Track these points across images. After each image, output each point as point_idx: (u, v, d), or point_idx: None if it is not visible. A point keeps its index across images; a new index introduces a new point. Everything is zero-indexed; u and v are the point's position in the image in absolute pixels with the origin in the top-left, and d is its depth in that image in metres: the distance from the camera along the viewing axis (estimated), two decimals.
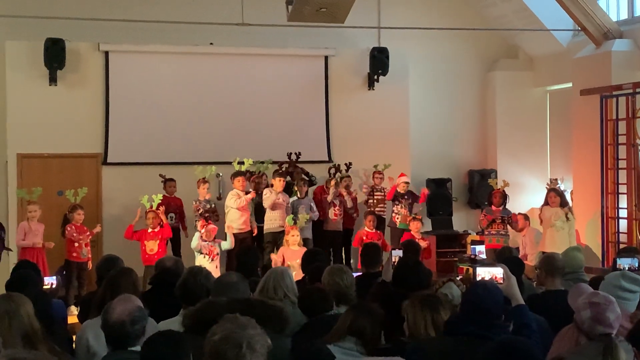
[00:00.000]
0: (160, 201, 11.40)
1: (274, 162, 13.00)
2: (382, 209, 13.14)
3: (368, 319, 4.59)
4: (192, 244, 10.54)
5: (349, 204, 12.78)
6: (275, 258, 10.56)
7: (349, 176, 13.26)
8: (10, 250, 11.06)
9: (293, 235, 10.51)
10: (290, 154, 13.27)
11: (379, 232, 12.01)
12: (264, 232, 12.00)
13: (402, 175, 13.04)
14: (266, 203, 11.84)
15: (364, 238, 11.45)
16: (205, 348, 3.24)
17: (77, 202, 11.43)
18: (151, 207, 11.18)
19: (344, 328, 4.57)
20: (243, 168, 12.22)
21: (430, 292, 5.33)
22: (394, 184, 12.96)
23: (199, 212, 11.80)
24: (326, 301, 5.47)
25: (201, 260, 10.10)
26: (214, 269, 9.78)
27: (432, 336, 4.51)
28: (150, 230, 11.02)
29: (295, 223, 10.95)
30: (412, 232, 11.69)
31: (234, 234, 11.48)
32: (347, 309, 4.83)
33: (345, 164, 13.46)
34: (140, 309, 4.18)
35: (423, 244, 11.37)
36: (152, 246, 10.97)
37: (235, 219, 11.69)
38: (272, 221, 11.91)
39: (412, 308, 4.80)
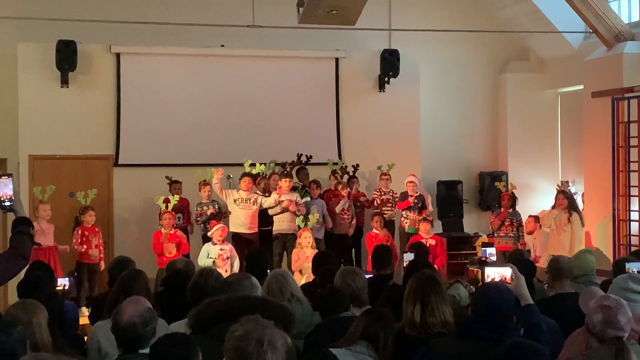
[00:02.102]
0: (176, 202, 11.43)
1: (277, 164, 13.00)
2: (390, 210, 13.08)
3: (381, 325, 4.57)
4: (199, 261, 10.41)
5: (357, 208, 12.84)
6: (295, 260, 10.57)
7: (355, 177, 13.30)
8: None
9: (305, 237, 10.47)
10: (300, 155, 13.28)
11: (387, 232, 11.95)
12: (273, 232, 12.00)
13: (410, 176, 12.95)
14: (272, 211, 11.81)
15: (374, 240, 11.42)
16: (226, 344, 3.23)
17: (88, 203, 11.47)
18: (167, 208, 11.19)
19: (357, 333, 4.56)
20: (254, 171, 12.20)
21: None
22: (407, 199, 12.83)
23: (201, 217, 11.85)
24: (343, 302, 5.47)
25: (210, 264, 10.08)
26: (224, 272, 9.78)
27: (443, 336, 4.50)
28: (164, 231, 11.01)
29: (305, 225, 10.93)
30: (420, 234, 11.64)
31: (240, 234, 11.52)
32: (361, 314, 4.82)
33: (353, 166, 13.47)
34: (151, 310, 4.17)
35: (432, 242, 11.32)
36: (170, 249, 10.93)
37: (240, 219, 11.70)
38: (280, 222, 11.91)
39: (408, 287, 4.81)
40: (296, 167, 13.26)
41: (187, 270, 6.88)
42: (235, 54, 13.77)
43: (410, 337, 4.66)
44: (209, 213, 11.85)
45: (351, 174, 13.47)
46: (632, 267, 6.31)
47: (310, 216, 11.32)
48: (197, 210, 12.08)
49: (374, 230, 11.70)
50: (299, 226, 11.16)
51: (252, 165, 12.25)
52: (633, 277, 5.05)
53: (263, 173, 12.58)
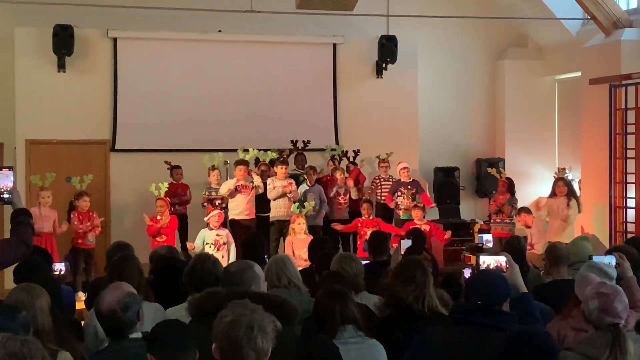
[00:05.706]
0: (167, 189, 11.42)
1: (274, 151, 12.98)
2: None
3: (352, 304, 4.58)
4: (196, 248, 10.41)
5: (354, 194, 12.75)
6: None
7: (354, 163, 13.30)
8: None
9: (299, 224, 10.42)
10: (296, 141, 13.27)
11: (375, 218, 11.85)
12: (270, 219, 11.99)
13: (401, 163, 12.96)
14: (272, 194, 11.77)
15: (359, 224, 11.42)
16: (216, 329, 3.24)
17: (83, 188, 11.46)
18: (159, 194, 11.18)
19: (337, 320, 4.52)
20: (248, 157, 12.19)
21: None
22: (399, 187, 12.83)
23: (206, 200, 11.83)
24: (346, 287, 5.47)
25: (207, 250, 10.07)
26: (220, 258, 9.75)
27: (438, 327, 4.49)
28: (159, 217, 11.01)
29: (300, 211, 10.91)
30: (414, 221, 11.59)
31: (237, 221, 11.50)
32: (323, 302, 4.70)
33: (354, 151, 13.48)
34: (131, 295, 4.11)
35: (426, 227, 11.28)
36: (163, 234, 10.95)
37: (238, 205, 11.69)
38: (278, 209, 11.88)
39: (394, 269, 4.82)
40: (294, 154, 13.24)
41: (171, 253, 6.91)
42: (232, 39, 13.74)
43: (395, 318, 4.66)
44: (217, 202, 11.76)
45: (351, 159, 13.47)
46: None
47: (305, 203, 11.28)
48: (205, 194, 12.04)
49: (364, 217, 11.63)
50: (293, 212, 11.13)
51: (246, 150, 12.25)
52: (591, 265, 5.17)
53: (263, 159, 12.57)
